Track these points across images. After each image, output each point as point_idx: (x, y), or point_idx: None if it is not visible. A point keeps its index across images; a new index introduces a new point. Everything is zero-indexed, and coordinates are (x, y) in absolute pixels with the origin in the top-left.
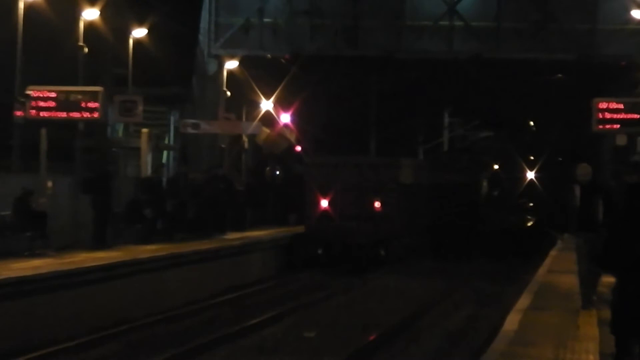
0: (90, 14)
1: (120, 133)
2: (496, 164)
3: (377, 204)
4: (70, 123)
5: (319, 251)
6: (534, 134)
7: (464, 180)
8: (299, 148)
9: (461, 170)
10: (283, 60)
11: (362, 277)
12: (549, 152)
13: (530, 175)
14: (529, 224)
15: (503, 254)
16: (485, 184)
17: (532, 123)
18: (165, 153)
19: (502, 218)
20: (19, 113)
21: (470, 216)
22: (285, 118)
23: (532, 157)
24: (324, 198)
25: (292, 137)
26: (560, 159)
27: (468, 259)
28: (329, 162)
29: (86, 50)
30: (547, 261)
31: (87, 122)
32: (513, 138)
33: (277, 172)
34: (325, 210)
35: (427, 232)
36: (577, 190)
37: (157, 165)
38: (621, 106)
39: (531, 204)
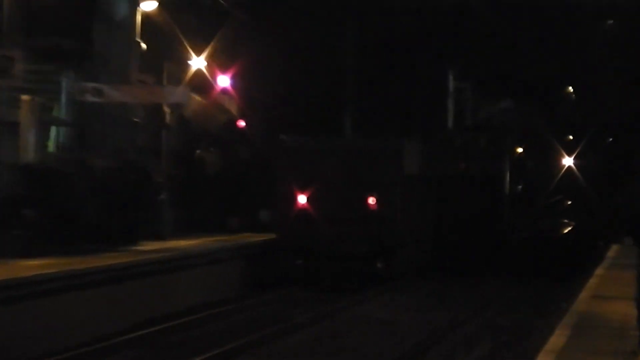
0: None
1: None
2: (520, 146)
3: (373, 202)
4: None
5: (298, 262)
6: (574, 105)
7: (482, 170)
8: (243, 123)
9: (478, 157)
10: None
11: (341, 301)
12: (594, 130)
13: (568, 161)
14: (566, 230)
15: (530, 271)
16: (507, 175)
17: (570, 89)
18: (54, 130)
19: (529, 222)
20: None
21: (489, 220)
22: (223, 81)
23: (570, 137)
24: (303, 194)
25: (234, 108)
26: (612, 139)
27: (483, 277)
28: (310, 146)
29: None
30: (592, 283)
31: None
32: (544, 110)
33: (213, 158)
34: (304, 210)
35: (432, 240)
36: None
37: (43, 147)
38: None
39: (569, 202)
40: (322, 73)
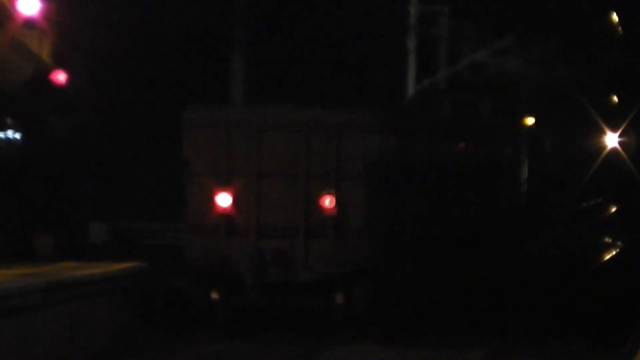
0: None
1: None
2: (531, 115)
3: (330, 205)
4: None
5: (214, 297)
6: (620, 44)
7: (481, 157)
8: (63, 78)
9: (475, 138)
10: None
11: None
12: None
13: (612, 140)
14: (610, 256)
15: (546, 325)
16: (520, 164)
17: (615, 18)
18: None
19: (548, 239)
20: None
21: (488, 234)
22: (29, 6)
23: (615, 98)
24: (223, 191)
25: (46, 52)
26: None
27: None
28: (234, 121)
29: None
30: None
31: None
32: (571, 54)
33: (11, 136)
34: (225, 217)
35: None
36: None
37: None
38: None
39: (614, 208)
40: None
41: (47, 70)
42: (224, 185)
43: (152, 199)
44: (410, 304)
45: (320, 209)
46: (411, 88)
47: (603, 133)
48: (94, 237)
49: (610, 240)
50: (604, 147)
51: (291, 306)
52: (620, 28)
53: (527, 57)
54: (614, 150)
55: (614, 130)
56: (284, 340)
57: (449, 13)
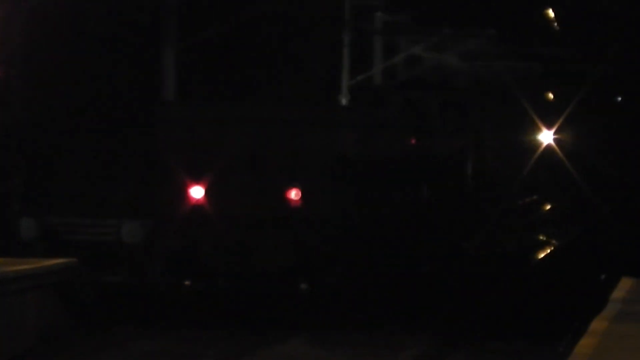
0: None
1: None
2: (475, 111)
3: (296, 197)
4: None
5: (186, 283)
6: (556, 38)
7: (431, 153)
8: None
9: (425, 133)
10: None
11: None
12: (592, 85)
13: (547, 137)
14: (543, 254)
15: (479, 319)
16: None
17: (550, 13)
18: None
19: (484, 236)
20: None
21: (433, 229)
22: None
23: (550, 95)
24: (196, 184)
25: None
26: (621, 99)
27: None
28: (207, 116)
29: None
30: (586, 346)
31: None
32: (507, 56)
33: None
34: (197, 208)
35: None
36: None
37: None
38: None
39: (548, 206)
40: None
41: None
42: (194, 178)
43: (84, 194)
44: (358, 295)
45: (286, 201)
46: (346, 82)
47: (539, 130)
48: (24, 233)
49: (544, 238)
50: (539, 144)
51: (258, 293)
52: (556, 24)
53: (463, 51)
54: (548, 147)
55: (549, 127)
56: (219, 337)
57: (384, 6)
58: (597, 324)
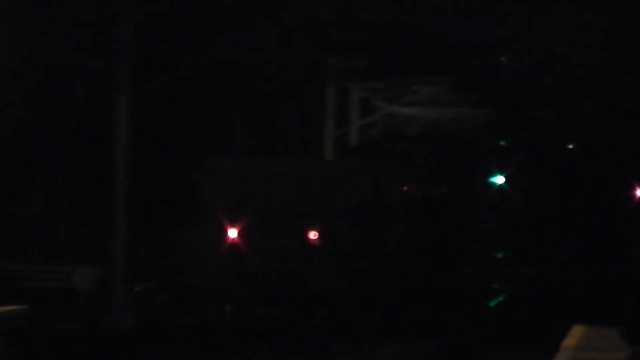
0: None
1: None
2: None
3: (315, 237)
4: None
5: (228, 308)
6: (507, 80)
7: (421, 196)
8: None
9: (415, 180)
10: None
11: None
12: (545, 132)
13: (500, 181)
14: (498, 295)
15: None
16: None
17: (505, 65)
18: None
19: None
20: None
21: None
22: None
23: (502, 143)
24: (233, 227)
25: None
26: (572, 147)
27: None
28: (246, 169)
29: None
30: None
31: None
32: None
33: None
34: (234, 245)
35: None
36: None
37: None
38: None
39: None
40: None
41: None
42: (234, 221)
43: (37, 240)
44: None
45: (308, 240)
46: (330, 136)
47: (493, 174)
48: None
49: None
50: (494, 187)
51: (287, 318)
52: (508, 71)
53: (418, 101)
54: (501, 189)
55: (501, 168)
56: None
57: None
58: None
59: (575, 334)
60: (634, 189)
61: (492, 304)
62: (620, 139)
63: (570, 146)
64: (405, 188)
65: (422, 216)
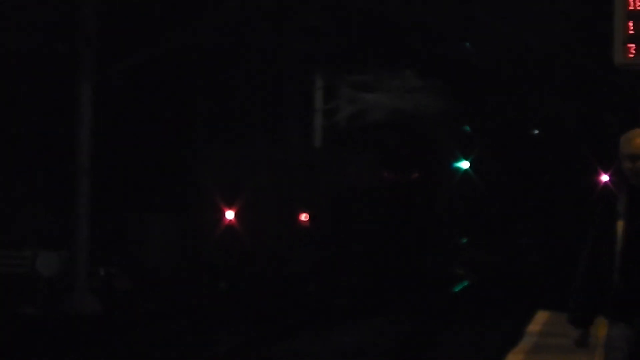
0: None
1: None
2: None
3: (305, 219)
4: None
5: (222, 285)
6: (471, 66)
7: (397, 183)
8: None
9: (391, 167)
10: None
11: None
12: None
13: (465, 166)
14: (464, 282)
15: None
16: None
17: (470, 50)
18: None
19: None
20: None
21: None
22: None
23: (467, 128)
24: (229, 209)
25: None
26: (538, 132)
27: None
28: (242, 157)
29: None
30: None
31: None
32: (426, 91)
33: None
34: (231, 226)
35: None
36: (622, 202)
37: None
38: None
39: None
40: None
41: None
42: (230, 204)
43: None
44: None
45: (298, 222)
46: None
47: (458, 159)
48: None
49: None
50: (458, 173)
51: (278, 292)
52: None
53: (386, 90)
54: (465, 174)
55: (465, 154)
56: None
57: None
58: (514, 357)
59: (540, 319)
60: (597, 175)
61: (456, 288)
62: (583, 125)
63: (536, 131)
64: (385, 173)
65: (392, 201)
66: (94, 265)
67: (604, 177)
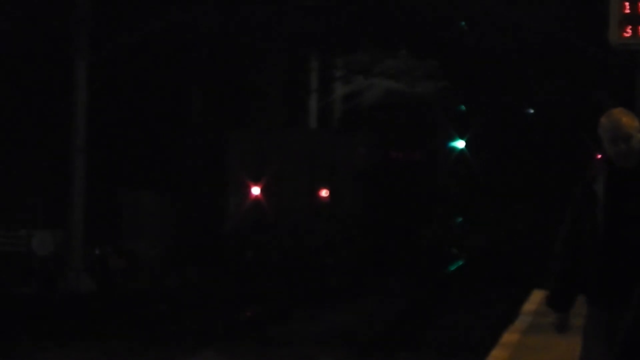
0: None
1: None
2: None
3: (326, 195)
4: None
5: (249, 255)
6: (463, 48)
7: (404, 162)
8: None
9: (399, 147)
10: None
11: None
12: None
13: (461, 145)
14: (458, 262)
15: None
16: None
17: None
18: None
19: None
20: None
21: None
22: None
23: (463, 107)
24: (255, 185)
25: None
26: (533, 112)
27: None
28: (265, 138)
29: None
30: (496, 357)
31: None
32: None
33: None
34: (257, 201)
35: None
36: (601, 185)
37: None
38: None
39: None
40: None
41: None
42: (255, 182)
43: None
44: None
45: (319, 198)
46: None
47: (454, 139)
48: None
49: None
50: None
51: (299, 264)
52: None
53: (385, 73)
54: (461, 153)
55: (462, 135)
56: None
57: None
58: (509, 336)
59: (535, 299)
60: (593, 155)
61: (451, 267)
62: (577, 106)
63: (531, 111)
64: (391, 154)
65: (396, 180)
66: (89, 245)
67: (599, 157)
